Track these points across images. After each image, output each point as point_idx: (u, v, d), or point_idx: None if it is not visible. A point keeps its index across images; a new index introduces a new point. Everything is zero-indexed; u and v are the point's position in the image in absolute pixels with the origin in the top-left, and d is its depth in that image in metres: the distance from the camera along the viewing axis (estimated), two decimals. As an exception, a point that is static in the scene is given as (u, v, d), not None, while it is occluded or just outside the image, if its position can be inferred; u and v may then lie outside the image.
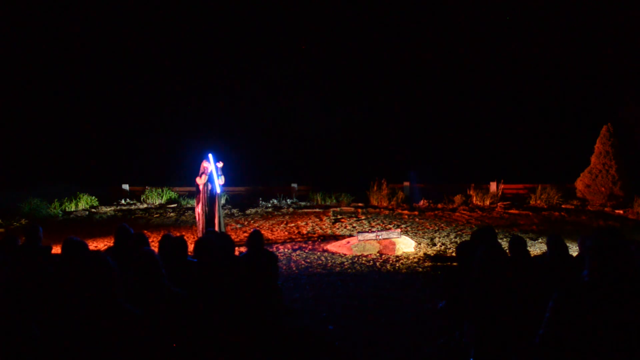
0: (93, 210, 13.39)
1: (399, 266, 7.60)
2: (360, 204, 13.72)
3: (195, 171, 9.19)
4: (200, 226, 8.87)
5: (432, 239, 9.57)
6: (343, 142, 21.82)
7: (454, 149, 20.89)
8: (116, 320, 2.34)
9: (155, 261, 3.03)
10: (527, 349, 3.51)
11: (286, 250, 8.77)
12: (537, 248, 8.70)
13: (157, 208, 13.76)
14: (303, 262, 7.88)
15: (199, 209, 8.91)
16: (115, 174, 17.33)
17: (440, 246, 9.01)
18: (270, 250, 8.11)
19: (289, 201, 14.46)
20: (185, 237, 4.66)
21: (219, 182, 8.93)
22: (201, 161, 8.96)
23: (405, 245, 8.73)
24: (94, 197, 13.98)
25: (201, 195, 8.87)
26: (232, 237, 8.47)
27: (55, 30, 22.25)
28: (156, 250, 4.76)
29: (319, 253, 8.53)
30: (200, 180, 8.81)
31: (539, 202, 13.42)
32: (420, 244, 9.17)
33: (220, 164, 8.96)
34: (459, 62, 23.30)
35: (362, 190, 14.30)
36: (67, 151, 20.38)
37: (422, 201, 13.87)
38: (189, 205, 13.63)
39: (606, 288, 2.41)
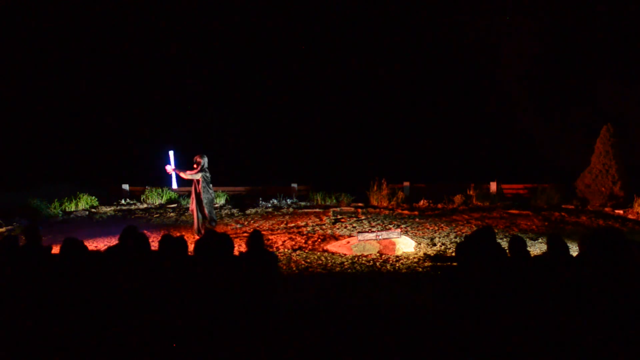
0: (93, 210, 13.39)
1: (399, 266, 7.61)
2: (360, 204, 13.72)
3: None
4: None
5: (432, 239, 9.57)
6: (343, 142, 21.81)
7: (454, 149, 20.88)
8: None
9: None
10: (528, 349, 3.51)
11: (286, 250, 8.77)
12: (537, 248, 8.70)
13: (157, 208, 13.76)
14: (303, 262, 7.88)
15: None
16: (115, 174, 17.31)
17: (440, 246, 9.01)
18: (271, 250, 8.13)
19: (289, 201, 14.46)
20: (185, 237, 4.66)
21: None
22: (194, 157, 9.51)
23: (405, 245, 8.73)
24: (94, 197, 13.98)
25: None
26: (232, 237, 8.47)
27: (55, 29, 22.26)
28: (156, 250, 4.77)
29: (319, 253, 8.53)
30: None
31: (539, 202, 13.42)
32: (420, 244, 9.17)
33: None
34: (459, 62, 23.30)
35: (362, 190, 14.29)
36: (67, 151, 20.38)
37: (422, 201, 13.88)
38: (189, 205, 13.64)
39: (607, 288, 2.42)
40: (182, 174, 9.39)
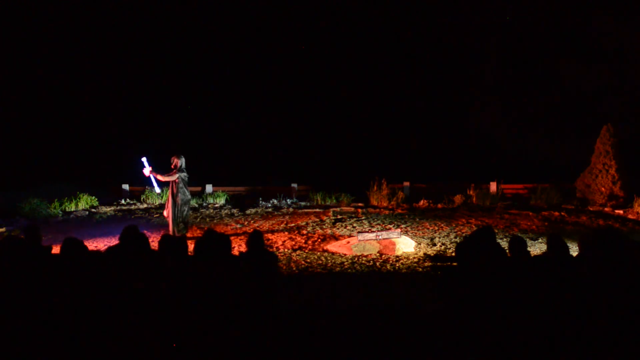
0: (93, 210, 13.39)
1: (399, 266, 7.61)
2: (360, 204, 13.72)
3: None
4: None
5: (432, 239, 9.57)
6: (343, 142, 21.83)
7: (454, 149, 20.89)
8: None
9: None
10: (528, 349, 3.51)
11: (286, 250, 8.77)
12: (537, 248, 8.70)
13: (157, 208, 13.76)
14: (303, 262, 7.88)
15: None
16: (115, 174, 17.32)
17: (440, 246, 9.02)
18: (271, 250, 8.13)
19: (289, 201, 14.46)
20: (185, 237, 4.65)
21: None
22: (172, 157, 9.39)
23: (405, 245, 8.73)
24: (94, 197, 13.98)
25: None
26: (232, 237, 8.50)
27: (54, 29, 22.27)
28: (156, 250, 4.77)
29: (319, 253, 8.53)
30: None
31: (539, 202, 13.42)
32: (420, 244, 9.17)
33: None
34: (459, 62, 23.32)
35: (362, 190, 14.29)
36: (67, 151, 20.39)
37: (422, 201, 13.88)
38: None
39: (607, 288, 2.42)
40: (159, 177, 9.16)
